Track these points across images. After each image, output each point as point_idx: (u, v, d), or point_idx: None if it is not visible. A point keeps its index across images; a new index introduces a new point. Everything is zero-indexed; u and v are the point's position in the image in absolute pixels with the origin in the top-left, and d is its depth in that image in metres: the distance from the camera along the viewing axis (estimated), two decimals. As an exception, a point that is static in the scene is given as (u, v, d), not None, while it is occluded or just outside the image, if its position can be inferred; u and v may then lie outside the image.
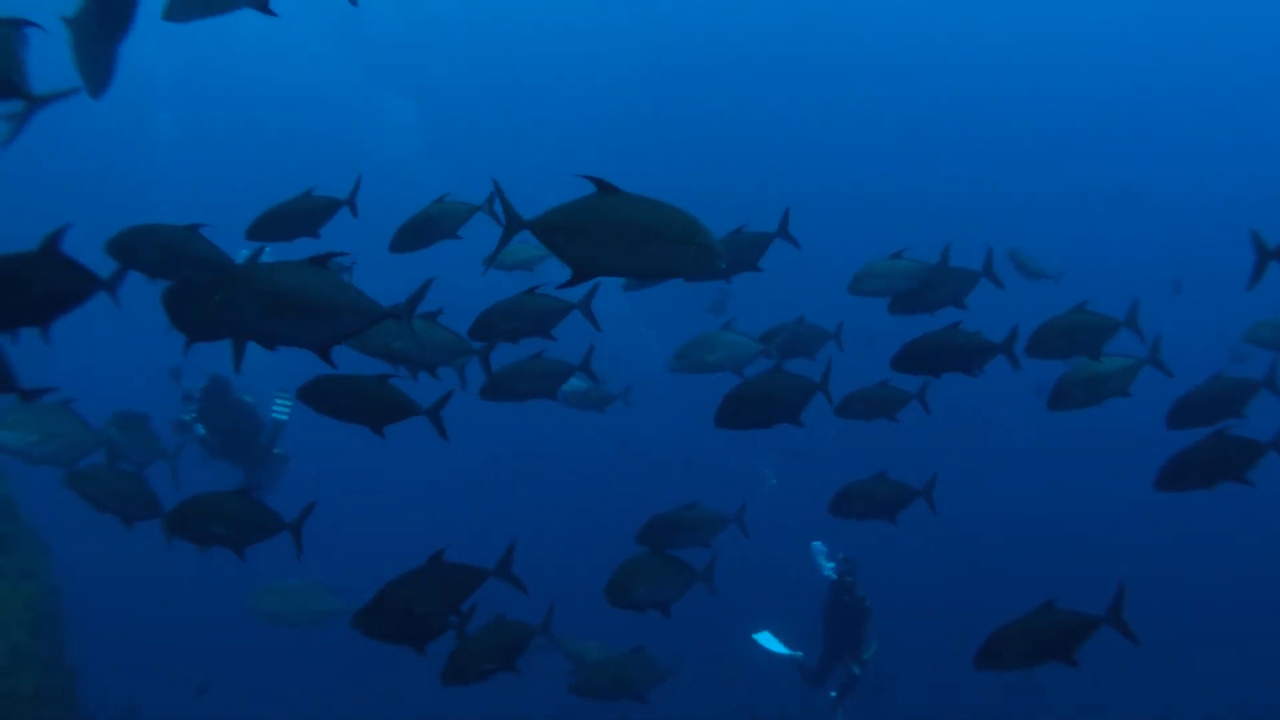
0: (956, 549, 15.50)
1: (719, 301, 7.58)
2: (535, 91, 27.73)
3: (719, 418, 4.74)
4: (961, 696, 11.74)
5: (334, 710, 13.48)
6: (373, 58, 24.37)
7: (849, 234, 15.35)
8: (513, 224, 3.44)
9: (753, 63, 27.27)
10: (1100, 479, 17.82)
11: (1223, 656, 14.06)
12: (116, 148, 19.70)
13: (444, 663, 4.43)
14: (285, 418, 8.57)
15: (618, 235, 3.17)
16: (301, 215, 5.03)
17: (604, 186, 3.22)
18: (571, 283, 3.33)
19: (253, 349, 3.65)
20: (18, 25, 3.44)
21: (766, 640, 9.59)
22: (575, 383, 6.51)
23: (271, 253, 5.11)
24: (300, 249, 4.28)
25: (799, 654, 9.57)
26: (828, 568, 9.09)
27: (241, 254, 5.03)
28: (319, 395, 4.03)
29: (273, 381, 8.53)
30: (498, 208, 5.18)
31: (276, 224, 5.00)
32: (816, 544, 9.38)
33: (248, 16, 4.27)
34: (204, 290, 3.36)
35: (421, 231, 5.36)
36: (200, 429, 8.36)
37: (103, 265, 3.76)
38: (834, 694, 9.04)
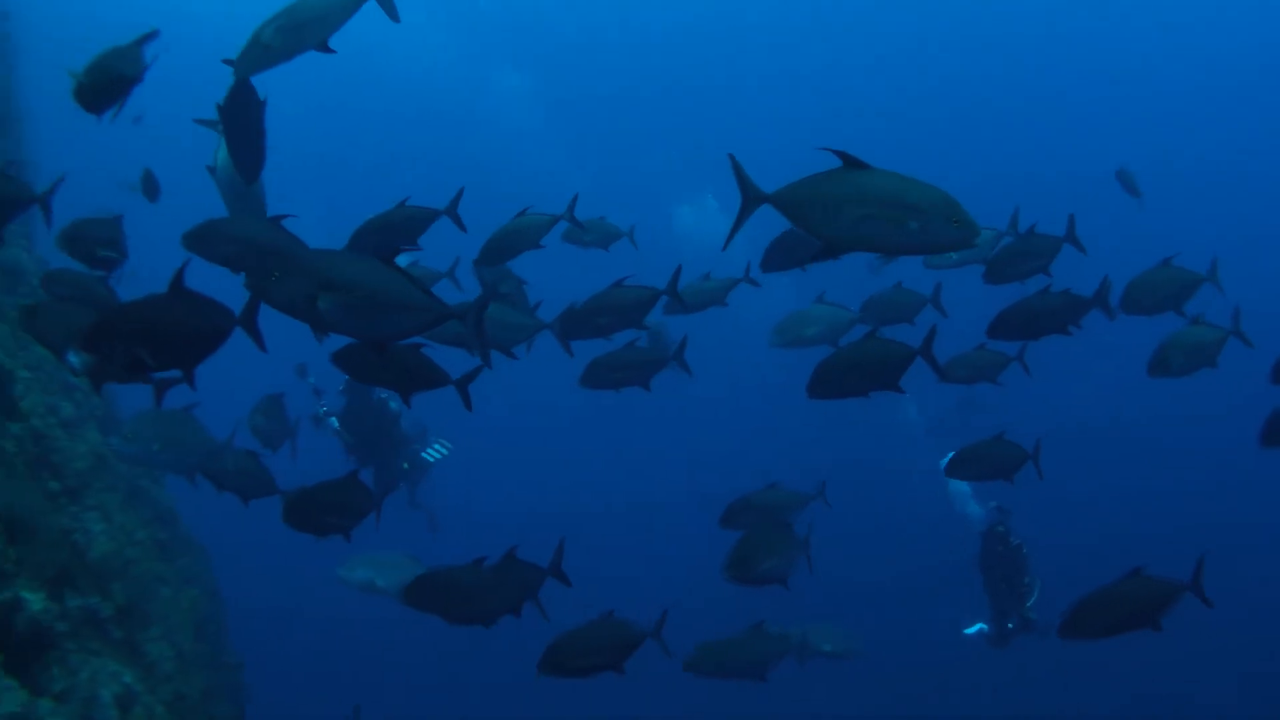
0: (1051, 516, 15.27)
1: (875, 264, 7.14)
2: (652, 59, 27.24)
3: (811, 388, 4.52)
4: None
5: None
6: (484, 34, 24.32)
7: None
8: (751, 199, 3.33)
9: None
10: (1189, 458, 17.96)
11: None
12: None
13: (543, 653, 4.42)
14: (431, 460, 8.89)
15: (875, 211, 3.10)
16: (398, 226, 4.89)
17: (851, 161, 3.14)
18: (820, 258, 3.31)
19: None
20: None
21: (972, 630, 9.37)
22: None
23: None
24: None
25: (983, 626, 9.27)
26: (975, 512, 9.19)
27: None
28: (352, 361, 3.93)
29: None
30: (578, 215, 5.44)
31: (376, 236, 4.84)
32: (958, 483, 9.32)
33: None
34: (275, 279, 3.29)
35: (506, 245, 5.34)
36: (334, 422, 8.49)
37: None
38: (998, 626, 8.91)
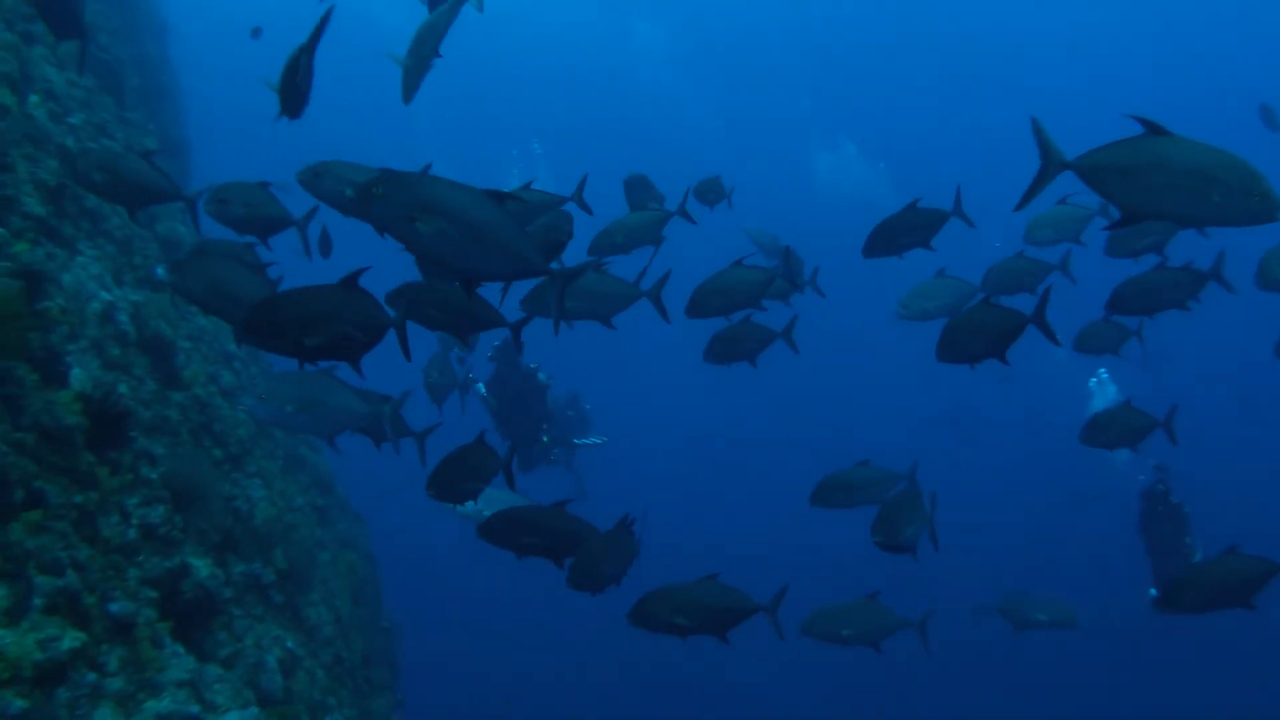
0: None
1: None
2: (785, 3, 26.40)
3: (940, 351, 4.64)
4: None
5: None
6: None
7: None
8: (1052, 164, 3.37)
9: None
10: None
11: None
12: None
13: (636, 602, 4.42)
14: (582, 444, 9.15)
15: (1178, 180, 3.12)
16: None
17: (1154, 128, 3.15)
18: (1121, 224, 3.35)
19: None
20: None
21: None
22: None
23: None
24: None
25: (1151, 591, 8.92)
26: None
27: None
28: (409, 300, 3.88)
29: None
30: (690, 206, 5.46)
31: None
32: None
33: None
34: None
35: (620, 242, 5.36)
36: (482, 388, 8.47)
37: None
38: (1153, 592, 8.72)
